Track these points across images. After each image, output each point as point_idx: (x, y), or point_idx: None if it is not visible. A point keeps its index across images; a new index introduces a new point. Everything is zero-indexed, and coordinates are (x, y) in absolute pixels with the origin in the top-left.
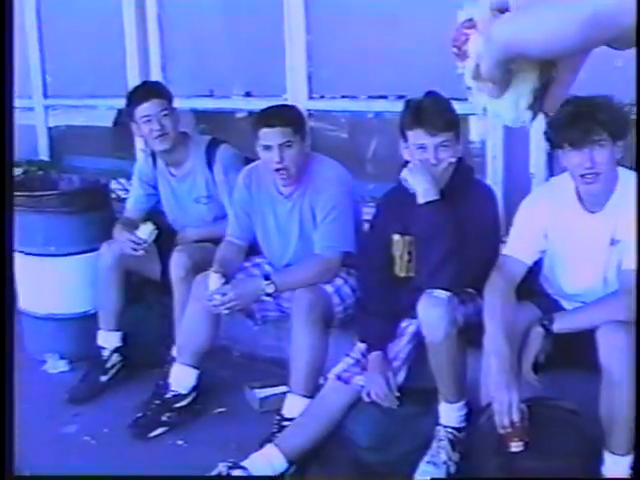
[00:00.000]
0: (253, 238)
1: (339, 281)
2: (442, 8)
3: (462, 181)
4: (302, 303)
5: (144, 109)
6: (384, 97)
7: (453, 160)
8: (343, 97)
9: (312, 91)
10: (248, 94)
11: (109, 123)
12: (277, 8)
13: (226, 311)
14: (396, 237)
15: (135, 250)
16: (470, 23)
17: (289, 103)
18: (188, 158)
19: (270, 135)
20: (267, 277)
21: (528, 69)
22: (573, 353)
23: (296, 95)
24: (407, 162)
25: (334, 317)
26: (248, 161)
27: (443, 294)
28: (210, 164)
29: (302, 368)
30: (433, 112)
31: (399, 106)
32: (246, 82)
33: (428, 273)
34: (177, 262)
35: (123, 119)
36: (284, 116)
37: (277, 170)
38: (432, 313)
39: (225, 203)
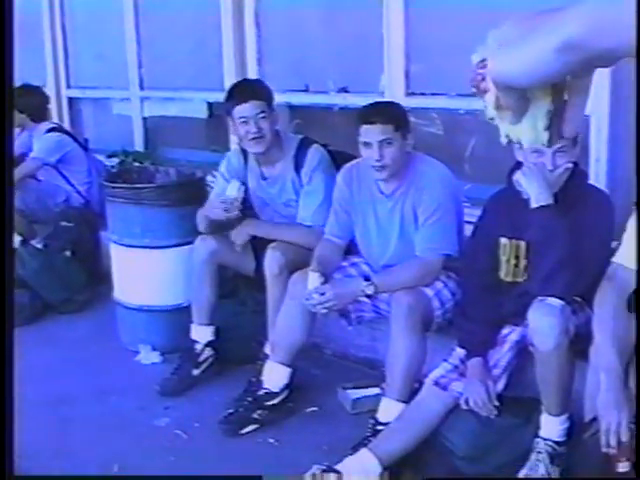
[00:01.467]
0: (351, 237)
1: (439, 284)
2: (542, 4)
3: (576, 186)
4: (401, 306)
5: (242, 110)
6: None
7: (570, 165)
8: (434, 94)
9: (409, 87)
10: (344, 89)
11: (204, 115)
12: (376, 3)
13: (323, 310)
14: (503, 240)
15: (227, 211)
16: (483, 63)
17: (391, 100)
18: (281, 158)
19: (370, 132)
20: (367, 278)
21: (541, 95)
22: None
23: (393, 91)
24: (519, 163)
25: (433, 321)
26: (345, 156)
27: (556, 302)
28: (297, 167)
29: (399, 372)
30: None
31: None
32: (342, 77)
33: (541, 280)
34: (271, 259)
35: (218, 112)
36: (385, 113)
37: (376, 168)
38: (544, 321)
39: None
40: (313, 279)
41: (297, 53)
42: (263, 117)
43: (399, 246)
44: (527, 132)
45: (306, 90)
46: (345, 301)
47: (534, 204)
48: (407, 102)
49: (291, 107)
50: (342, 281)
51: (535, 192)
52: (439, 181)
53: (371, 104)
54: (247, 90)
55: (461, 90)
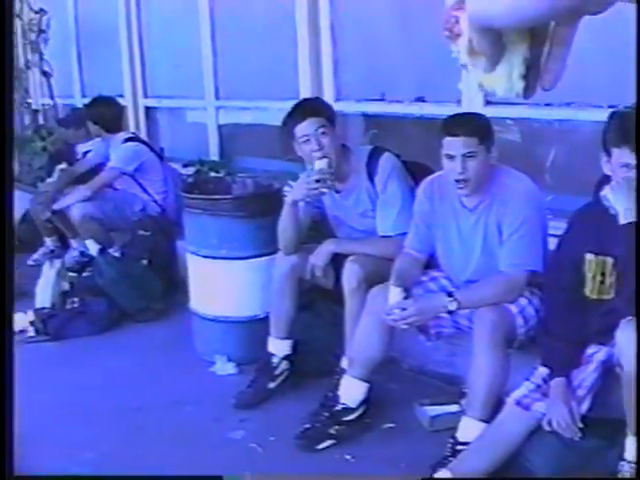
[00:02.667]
0: (432, 251)
1: (523, 301)
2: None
3: None
4: (485, 323)
5: (301, 128)
6: (568, 104)
7: None
8: (513, 104)
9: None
10: (420, 99)
11: (278, 122)
12: None
13: (404, 326)
14: (589, 256)
15: (320, 182)
16: (458, 4)
17: (476, 112)
18: (351, 172)
19: (453, 144)
20: (449, 294)
21: (518, 40)
22: None
23: (471, 101)
24: (606, 177)
25: (516, 339)
26: (419, 166)
27: None
28: (371, 175)
29: (480, 392)
30: None
31: (581, 115)
32: (419, 86)
33: (628, 298)
34: (350, 272)
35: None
36: (469, 125)
37: (457, 181)
38: (632, 342)
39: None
40: (395, 294)
41: (373, 61)
42: (323, 132)
43: (482, 261)
44: (501, 80)
45: (382, 99)
46: (427, 317)
47: (623, 220)
48: (486, 111)
49: (367, 116)
50: (424, 296)
51: (624, 208)
52: (524, 195)
53: (455, 115)
54: (304, 108)
55: (541, 99)
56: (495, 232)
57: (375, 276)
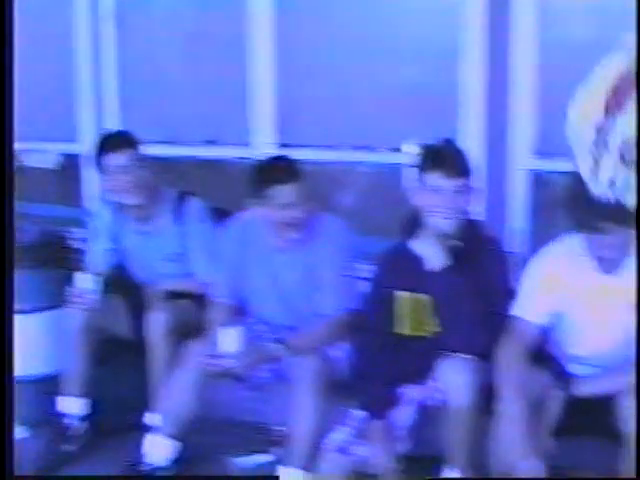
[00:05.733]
0: (243, 295)
1: (342, 344)
2: None
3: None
4: (306, 369)
5: (119, 158)
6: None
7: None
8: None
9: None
10: (211, 142)
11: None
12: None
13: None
14: (403, 294)
15: (82, 303)
16: None
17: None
18: (158, 214)
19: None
20: (278, 340)
21: None
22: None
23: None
24: (410, 219)
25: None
26: (224, 213)
27: (468, 358)
28: (179, 219)
29: (302, 439)
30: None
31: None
32: (208, 130)
33: (451, 336)
34: (156, 321)
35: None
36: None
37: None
38: (458, 379)
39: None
40: (232, 338)
41: (161, 105)
42: (140, 166)
43: (296, 303)
44: None
45: (171, 142)
46: (257, 365)
47: (429, 267)
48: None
49: (158, 160)
50: (257, 344)
51: (429, 255)
52: (336, 236)
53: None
54: (121, 139)
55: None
56: (310, 273)
57: (181, 325)
